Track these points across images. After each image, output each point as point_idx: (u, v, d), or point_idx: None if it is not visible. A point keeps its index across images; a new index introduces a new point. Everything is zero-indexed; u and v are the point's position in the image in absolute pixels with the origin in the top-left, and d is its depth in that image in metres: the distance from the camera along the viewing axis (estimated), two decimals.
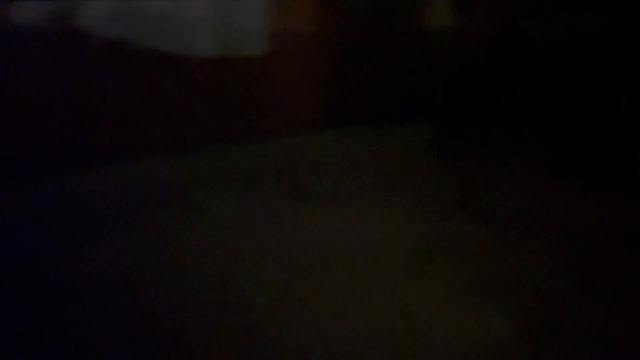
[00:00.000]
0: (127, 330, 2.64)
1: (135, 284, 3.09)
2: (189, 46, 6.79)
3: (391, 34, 8.61)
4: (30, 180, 5.43)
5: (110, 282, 3.10)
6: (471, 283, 3.25)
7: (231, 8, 7.15)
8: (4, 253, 3.82)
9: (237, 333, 2.67)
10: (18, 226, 4.30)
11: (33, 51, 6.26)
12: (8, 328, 2.73)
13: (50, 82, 6.32)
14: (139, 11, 6.66)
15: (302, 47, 7.80)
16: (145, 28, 6.63)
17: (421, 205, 4.70)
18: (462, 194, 4.60)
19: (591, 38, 7.03)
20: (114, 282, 3.10)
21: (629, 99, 5.60)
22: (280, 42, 7.52)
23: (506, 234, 4.08)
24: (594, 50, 7.12)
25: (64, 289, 3.08)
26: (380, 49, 8.52)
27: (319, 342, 2.61)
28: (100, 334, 2.58)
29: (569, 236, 3.99)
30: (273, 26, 7.43)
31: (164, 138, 6.63)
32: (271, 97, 7.51)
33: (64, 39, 6.43)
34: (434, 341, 2.67)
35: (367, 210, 4.57)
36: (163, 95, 6.79)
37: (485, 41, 4.04)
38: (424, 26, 8.78)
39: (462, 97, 4.57)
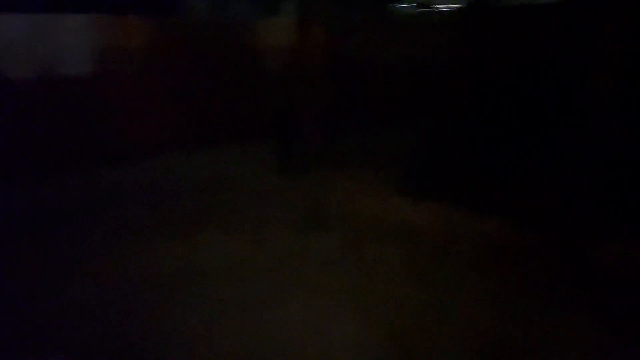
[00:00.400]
0: None
1: None
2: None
3: (231, 53, 8.74)
4: None
5: None
6: (325, 292, 3.52)
7: (52, 27, 6.80)
8: None
9: None
10: None
11: None
12: None
13: None
14: None
15: (141, 68, 7.58)
16: None
17: (274, 221, 4.88)
18: (312, 208, 4.68)
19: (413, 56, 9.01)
20: None
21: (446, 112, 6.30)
22: (113, 63, 7.27)
23: (354, 242, 4.37)
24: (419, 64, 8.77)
25: None
26: (222, 68, 8.60)
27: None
28: None
29: (408, 239, 4.48)
30: (101, 46, 7.19)
31: None
32: (104, 120, 7.20)
33: None
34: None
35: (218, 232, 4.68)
36: None
37: (326, 59, 4.32)
38: (266, 46, 9.11)
39: (305, 114, 4.79)
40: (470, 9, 6.64)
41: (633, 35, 3.53)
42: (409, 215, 5.17)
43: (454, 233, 4.69)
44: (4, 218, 5.08)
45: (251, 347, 2.98)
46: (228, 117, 8.79)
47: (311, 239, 4.51)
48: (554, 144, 5.07)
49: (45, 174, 6.38)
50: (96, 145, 7.16)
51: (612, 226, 4.47)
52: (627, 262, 4.04)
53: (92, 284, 3.73)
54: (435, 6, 13.82)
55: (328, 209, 4.88)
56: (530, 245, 4.35)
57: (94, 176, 6.56)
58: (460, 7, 9.13)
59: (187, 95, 8.28)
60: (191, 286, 3.72)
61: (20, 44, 6.60)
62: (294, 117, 7.35)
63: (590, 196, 3.85)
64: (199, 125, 8.38)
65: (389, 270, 3.94)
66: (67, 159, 6.80)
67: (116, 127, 7.39)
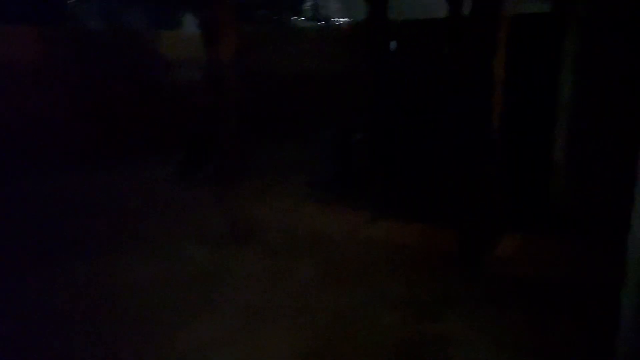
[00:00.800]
0: None
1: None
2: None
3: (131, 63, 8.79)
4: None
5: None
6: (247, 308, 3.51)
7: None
8: None
9: None
10: None
11: None
12: None
13: None
14: None
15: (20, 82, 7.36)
16: None
17: (188, 236, 4.86)
18: (227, 220, 4.74)
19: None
20: None
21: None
22: None
23: (276, 254, 4.45)
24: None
25: None
26: (120, 78, 8.60)
27: None
28: None
29: (324, 246, 4.60)
30: None
31: None
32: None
33: None
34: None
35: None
36: None
37: (230, 71, 4.43)
38: (169, 56, 9.26)
39: (213, 125, 4.85)
40: (369, 22, 6.92)
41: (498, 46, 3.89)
42: (324, 221, 5.26)
43: (369, 236, 4.84)
44: None
45: None
46: (123, 129, 8.52)
47: (227, 253, 4.44)
48: (449, 144, 5.41)
49: None
50: None
51: (512, 221, 4.84)
52: (527, 255, 4.39)
53: None
54: (336, 19, 14.26)
55: (243, 220, 4.82)
56: (435, 243, 4.60)
57: None
58: (359, 20, 9.47)
59: (82, 105, 8.01)
60: (96, 310, 3.52)
61: None
62: (200, 128, 7.21)
63: (488, 192, 4.13)
64: (93, 137, 8.13)
65: (307, 279, 3.98)
66: None
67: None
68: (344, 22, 12.71)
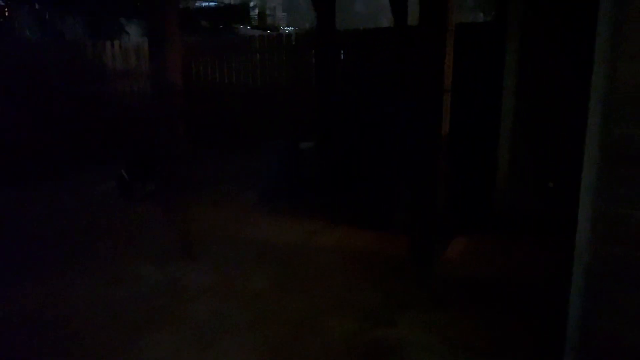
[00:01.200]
0: None
1: None
2: None
3: (68, 75, 8.60)
4: None
5: None
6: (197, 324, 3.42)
7: None
8: None
9: None
10: None
11: None
12: None
13: None
14: None
15: None
16: None
17: (143, 252, 4.70)
18: (174, 236, 4.65)
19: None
20: None
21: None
22: None
23: (226, 266, 4.37)
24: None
25: None
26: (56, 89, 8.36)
27: None
28: None
29: (272, 256, 4.55)
30: None
31: None
32: None
33: None
34: None
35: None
36: None
37: (174, 82, 4.40)
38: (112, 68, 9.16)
39: (155, 138, 4.78)
40: (316, 31, 6.99)
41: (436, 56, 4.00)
42: (275, 231, 5.22)
43: (321, 245, 4.83)
44: None
45: None
46: (61, 143, 8.22)
47: (174, 269, 4.31)
48: (397, 150, 5.51)
49: None
50: None
51: (459, 223, 4.97)
52: (474, 256, 4.50)
53: None
54: (283, 29, 14.29)
55: (190, 235, 4.71)
56: (387, 249, 4.64)
57: None
58: (305, 30, 9.53)
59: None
60: (34, 335, 3.34)
61: None
62: (143, 141, 7.03)
63: (436, 195, 4.21)
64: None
65: (258, 290, 3.92)
66: None
67: None
68: (290, 30, 12.75)
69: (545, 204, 5.20)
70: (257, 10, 15.20)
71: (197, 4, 14.76)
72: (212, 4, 15.20)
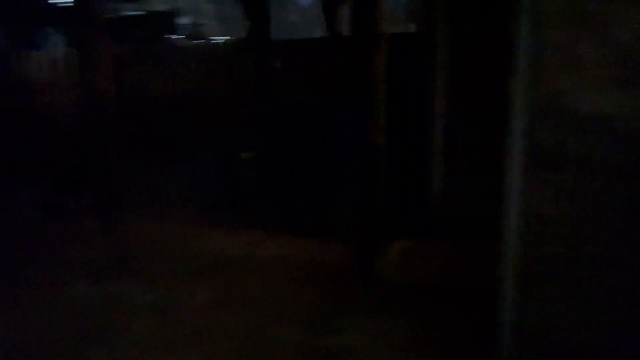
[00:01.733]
0: None
1: None
2: None
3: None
4: None
5: None
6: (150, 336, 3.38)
7: None
8: None
9: None
10: None
11: None
12: None
13: None
14: None
15: None
16: None
17: (79, 270, 4.53)
18: (111, 253, 4.49)
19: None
20: None
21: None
22: None
23: (167, 280, 4.29)
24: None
25: None
26: None
27: None
28: None
29: (217, 268, 4.52)
30: None
31: None
32: None
33: None
34: None
35: None
36: None
37: (104, 93, 4.35)
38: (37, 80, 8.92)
39: (88, 152, 4.68)
40: (250, 41, 6.97)
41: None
42: (217, 242, 5.15)
43: (264, 255, 4.81)
44: None
45: None
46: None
47: (111, 286, 4.17)
48: (335, 158, 5.58)
49: None
50: None
51: (397, 228, 5.07)
52: (413, 260, 4.63)
53: None
54: (214, 38, 14.13)
55: (128, 250, 4.55)
56: (329, 256, 4.69)
57: None
58: (240, 40, 9.47)
59: None
60: None
61: None
62: (71, 156, 6.73)
63: (374, 202, 4.30)
64: None
65: (202, 303, 3.86)
66: None
67: None
68: (223, 40, 12.63)
69: (480, 207, 5.41)
70: (189, 20, 14.97)
71: (125, 13, 14.32)
72: (141, 12, 14.79)
